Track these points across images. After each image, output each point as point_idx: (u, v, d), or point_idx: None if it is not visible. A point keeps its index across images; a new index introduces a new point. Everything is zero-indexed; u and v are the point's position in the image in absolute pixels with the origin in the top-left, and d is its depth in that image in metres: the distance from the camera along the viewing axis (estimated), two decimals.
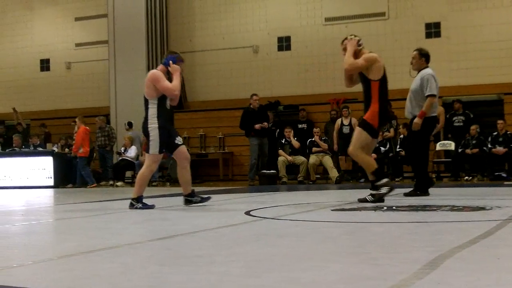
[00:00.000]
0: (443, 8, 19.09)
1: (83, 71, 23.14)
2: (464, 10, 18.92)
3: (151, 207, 8.54)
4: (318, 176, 17.99)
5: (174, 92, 8.38)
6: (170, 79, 8.51)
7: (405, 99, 9.90)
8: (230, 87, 21.21)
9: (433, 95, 9.49)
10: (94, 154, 19.62)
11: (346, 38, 8.68)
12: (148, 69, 20.78)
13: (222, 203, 8.74)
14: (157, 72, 8.54)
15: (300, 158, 17.21)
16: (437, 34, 19.17)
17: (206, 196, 8.91)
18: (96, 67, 22.79)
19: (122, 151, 19.12)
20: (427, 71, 9.63)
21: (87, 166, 18.46)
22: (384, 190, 7.96)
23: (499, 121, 16.40)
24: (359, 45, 8.31)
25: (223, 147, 20.54)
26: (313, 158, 17.16)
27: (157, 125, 8.41)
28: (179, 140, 8.65)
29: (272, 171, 17.05)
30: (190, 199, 8.75)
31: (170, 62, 8.56)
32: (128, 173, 19.57)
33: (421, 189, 9.55)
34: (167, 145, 8.60)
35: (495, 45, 18.46)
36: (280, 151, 17.32)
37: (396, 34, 19.45)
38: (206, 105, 21.27)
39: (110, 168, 19.09)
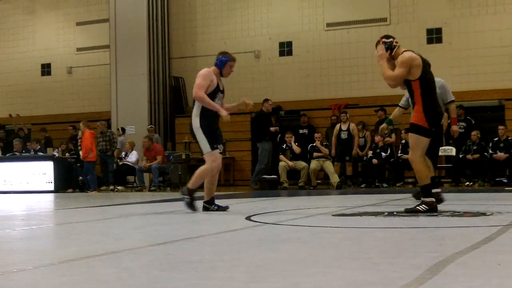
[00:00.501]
0: (445, 14, 19.09)
1: (84, 75, 23.15)
2: (465, 15, 18.93)
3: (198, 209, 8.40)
4: (319, 181, 17.98)
5: (196, 94, 8.31)
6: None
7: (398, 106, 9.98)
8: (232, 92, 21.07)
9: (454, 101, 9.86)
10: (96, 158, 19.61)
11: (378, 42, 8.39)
12: (150, 74, 20.92)
13: None
14: (205, 70, 8.42)
15: (301, 163, 17.20)
16: (439, 40, 19.17)
17: (224, 205, 8.75)
18: (97, 71, 22.80)
19: (123, 156, 19.12)
20: (438, 78, 9.60)
21: (94, 171, 18.45)
22: (422, 208, 7.41)
23: (500, 127, 16.38)
24: (392, 48, 8.02)
25: (224, 152, 20.52)
26: (314, 164, 17.14)
27: (198, 125, 8.31)
28: (219, 147, 8.54)
29: (273, 176, 17.04)
30: (207, 206, 8.65)
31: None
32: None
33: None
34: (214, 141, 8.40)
35: (497, 50, 18.45)
36: (281, 156, 17.30)
37: (398, 40, 19.38)
38: None
39: (111, 173, 19.08)
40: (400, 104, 9.92)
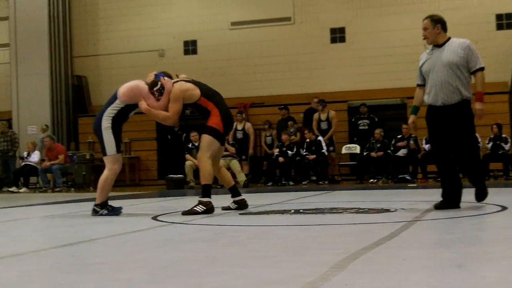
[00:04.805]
0: (348, 14, 19.42)
1: None
2: (367, 16, 19.31)
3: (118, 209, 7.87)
4: None
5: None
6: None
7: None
8: None
9: (483, 68, 7.13)
10: None
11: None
12: (51, 73, 20.52)
13: (128, 208, 8.56)
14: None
15: None
16: (342, 39, 19.49)
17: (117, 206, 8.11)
18: None
19: (25, 156, 18.63)
20: (460, 39, 7.15)
21: None
22: (200, 208, 7.39)
23: (404, 125, 16.61)
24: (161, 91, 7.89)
25: (129, 152, 20.28)
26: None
27: (110, 125, 7.88)
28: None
29: (179, 175, 16.93)
30: (98, 209, 8.17)
31: None
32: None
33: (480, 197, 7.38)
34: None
35: (398, 50, 18.88)
36: (187, 156, 17.21)
37: (302, 39, 19.65)
38: None
39: (13, 174, 18.56)
40: (419, 83, 7.43)
